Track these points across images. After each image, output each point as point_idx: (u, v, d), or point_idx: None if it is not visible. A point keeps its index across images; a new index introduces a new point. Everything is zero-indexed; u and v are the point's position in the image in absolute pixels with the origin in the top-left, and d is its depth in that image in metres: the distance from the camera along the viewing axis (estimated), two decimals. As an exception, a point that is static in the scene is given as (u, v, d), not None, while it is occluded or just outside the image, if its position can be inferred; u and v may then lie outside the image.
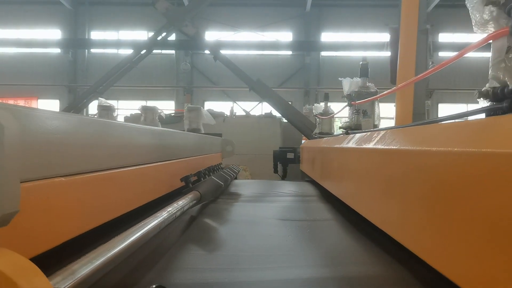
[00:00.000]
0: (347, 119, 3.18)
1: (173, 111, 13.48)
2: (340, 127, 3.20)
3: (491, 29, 0.99)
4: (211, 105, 19.27)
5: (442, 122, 1.27)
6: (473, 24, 1.03)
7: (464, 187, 0.88)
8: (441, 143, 1.03)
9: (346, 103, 3.19)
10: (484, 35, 1.01)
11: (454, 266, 0.91)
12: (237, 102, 20.05)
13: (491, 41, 1.00)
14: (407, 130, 1.40)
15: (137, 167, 1.70)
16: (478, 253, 0.81)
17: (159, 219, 1.50)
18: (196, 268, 1.46)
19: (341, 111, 4.29)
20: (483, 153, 0.82)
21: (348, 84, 3.08)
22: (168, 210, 1.67)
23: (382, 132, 1.58)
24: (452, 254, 0.92)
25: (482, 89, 1.00)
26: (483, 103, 1.02)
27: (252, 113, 14.19)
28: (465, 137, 0.97)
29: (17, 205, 0.68)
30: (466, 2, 1.03)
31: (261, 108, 19.68)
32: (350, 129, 2.95)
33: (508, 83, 0.91)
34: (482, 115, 1.05)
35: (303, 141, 9.87)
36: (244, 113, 12.50)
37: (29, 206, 0.94)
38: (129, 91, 20.28)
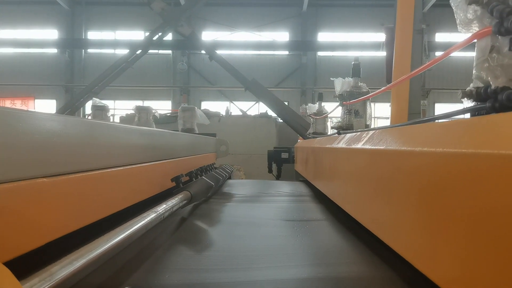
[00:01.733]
0: (339, 119, 3.18)
1: (169, 111, 13.47)
2: (332, 127, 3.20)
3: (475, 28, 0.98)
4: (208, 105, 19.28)
5: (428, 122, 1.26)
6: (457, 23, 1.02)
7: (447, 187, 0.87)
8: (426, 144, 1.02)
9: (338, 103, 3.19)
10: (469, 35, 1.01)
11: (439, 269, 0.90)
12: (234, 102, 20.08)
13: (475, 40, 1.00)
14: (393, 130, 1.39)
15: (125, 167, 1.69)
16: (463, 257, 0.81)
17: (146, 220, 1.48)
18: (183, 268, 1.45)
19: (333, 111, 4.29)
20: (465, 153, 0.82)
21: (340, 84, 3.08)
22: (156, 210, 1.65)
23: (370, 133, 1.58)
24: (437, 256, 0.91)
25: (466, 89, 0.99)
26: (468, 103, 1.02)
27: (248, 113, 14.21)
28: (449, 138, 0.96)
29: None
30: (450, 2, 1.02)
31: (258, 108, 19.69)
32: (341, 129, 2.95)
33: (491, 83, 0.91)
34: (467, 115, 1.05)
35: (299, 141, 9.89)
36: (240, 113, 12.51)
37: (9, 207, 0.93)
38: (126, 91, 20.28)
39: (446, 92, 21.00)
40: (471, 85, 0.99)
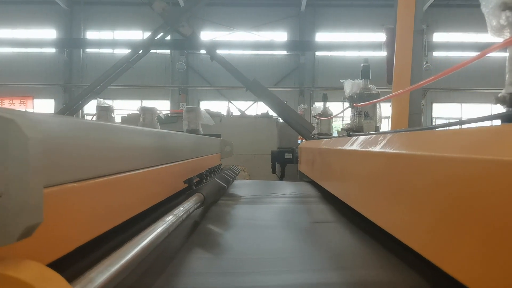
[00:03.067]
0: (348, 121, 3.18)
1: (168, 111, 13.43)
2: (342, 129, 3.19)
3: (507, 34, 0.99)
4: (206, 105, 19.27)
5: (456, 127, 1.27)
6: (488, 29, 1.03)
7: (477, 193, 0.87)
8: (455, 149, 1.02)
9: (343, 104, 3.19)
10: (500, 40, 1.01)
11: (468, 270, 0.91)
12: (232, 101, 20.06)
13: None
14: (418, 134, 1.40)
15: (145, 170, 1.69)
16: (494, 257, 0.81)
17: (168, 223, 1.49)
18: (199, 272, 1.44)
19: (339, 113, 4.30)
20: (498, 160, 0.82)
21: (350, 86, 3.08)
22: (174, 213, 1.65)
23: (388, 136, 1.58)
24: (468, 259, 0.91)
25: (499, 95, 1.00)
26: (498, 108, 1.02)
27: (247, 112, 14.20)
28: (479, 143, 0.96)
29: (41, 215, 0.67)
30: (481, 7, 1.03)
31: (256, 107, 19.70)
32: (352, 130, 2.94)
33: (526, 89, 0.91)
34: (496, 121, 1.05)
35: (299, 141, 9.87)
36: (239, 113, 12.49)
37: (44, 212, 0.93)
38: (124, 90, 20.25)
39: (443, 92, 21.04)
40: (503, 91, 0.99)
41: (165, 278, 1.37)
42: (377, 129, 2.99)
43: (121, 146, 1.46)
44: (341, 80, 3.21)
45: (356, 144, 2.05)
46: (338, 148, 2.45)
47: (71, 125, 1.10)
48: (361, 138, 2.04)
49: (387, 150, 1.44)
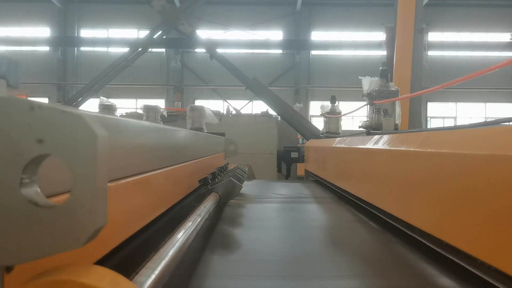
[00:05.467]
0: (364, 119, 3.11)
1: (163, 110, 13.35)
2: (360, 127, 3.13)
3: None
4: (202, 104, 19.22)
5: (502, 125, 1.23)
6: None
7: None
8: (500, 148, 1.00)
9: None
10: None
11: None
12: (227, 100, 20.03)
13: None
14: (456, 133, 1.36)
15: (168, 168, 1.66)
16: None
17: (196, 223, 1.46)
18: (218, 275, 1.40)
19: (352, 111, 4.30)
20: None
21: (368, 83, 3.02)
22: (198, 213, 1.62)
23: (423, 134, 1.54)
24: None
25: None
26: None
27: (242, 111, 14.18)
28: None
29: (105, 218, 0.63)
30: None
31: (252, 106, 19.70)
32: (371, 128, 2.90)
33: None
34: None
35: (299, 140, 9.84)
36: (234, 112, 12.46)
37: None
38: (120, 89, 20.15)
39: (438, 91, 21.04)
40: None
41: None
42: (396, 126, 2.95)
43: (154, 145, 1.42)
44: (359, 77, 3.15)
45: (382, 143, 1.98)
46: (359, 147, 2.38)
47: (112, 125, 1.06)
48: (387, 137, 1.97)
49: (430, 149, 1.39)
